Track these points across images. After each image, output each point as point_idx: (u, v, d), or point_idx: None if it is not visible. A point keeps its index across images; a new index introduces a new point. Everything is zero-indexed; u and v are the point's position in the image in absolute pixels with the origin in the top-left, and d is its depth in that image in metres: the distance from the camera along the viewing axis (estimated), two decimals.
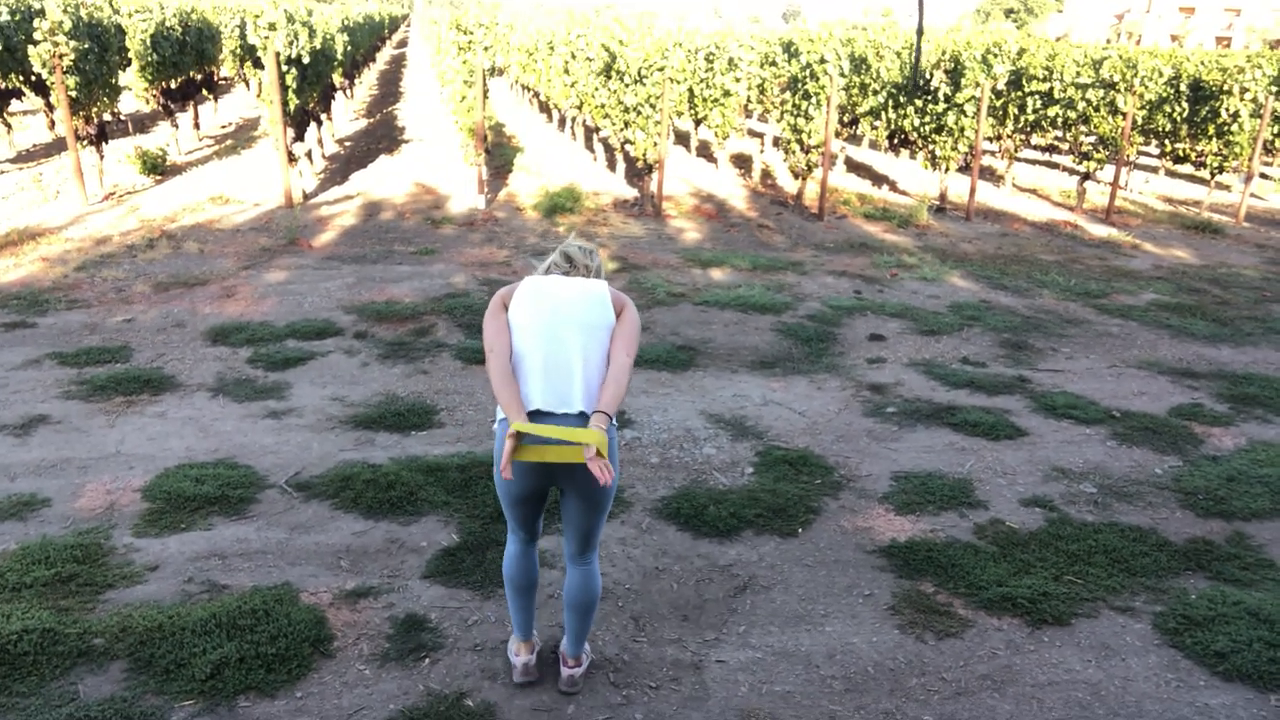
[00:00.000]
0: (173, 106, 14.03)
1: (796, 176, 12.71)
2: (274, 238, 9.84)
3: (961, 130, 12.48)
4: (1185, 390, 6.70)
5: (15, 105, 16.88)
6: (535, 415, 2.95)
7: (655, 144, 11.56)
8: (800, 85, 12.13)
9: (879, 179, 15.12)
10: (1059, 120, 13.91)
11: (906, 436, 5.69)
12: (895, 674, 3.54)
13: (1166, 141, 14.84)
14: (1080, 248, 11.60)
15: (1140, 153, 18.79)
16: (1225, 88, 13.68)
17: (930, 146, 12.97)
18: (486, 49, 12.02)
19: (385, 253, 9.55)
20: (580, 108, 15.51)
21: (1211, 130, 13.90)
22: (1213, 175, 14.14)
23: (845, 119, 15.67)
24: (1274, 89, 14.07)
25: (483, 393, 6.08)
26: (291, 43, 10.84)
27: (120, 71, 12.17)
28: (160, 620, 3.58)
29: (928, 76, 12.97)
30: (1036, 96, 14.03)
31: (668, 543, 4.41)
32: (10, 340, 6.71)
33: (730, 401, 6.13)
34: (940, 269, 9.96)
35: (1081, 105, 13.43)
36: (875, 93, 14.21)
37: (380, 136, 16.61)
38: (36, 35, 10.13)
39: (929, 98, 12.86)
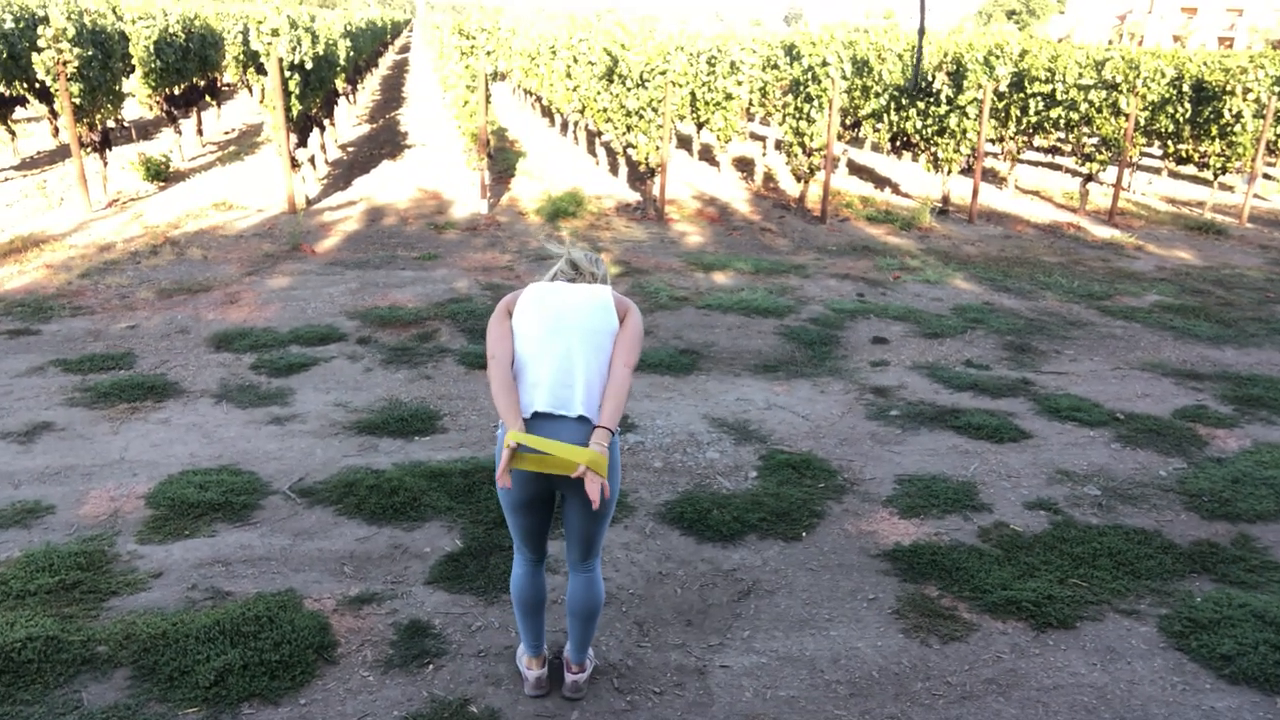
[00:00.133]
0: (176, 113, 14.06)
1: (799, 179, 12.71)
2: (277, 243, 9.86)
3: (964, 132, 12.48)
4: (1189, 392, 6.68)
5: (19, 112, 16.93)
6: (537, 418, 2.95)
7: (657, 148, 11.57)
8: (802, 88, 12.13)
9: (881, 182, 15.12)
10: (1061, 122, 13.90)
11: (910, 439, 5.68)
12: (900, 678, 3.53)
13: (1169, 142, 14.82)
14: (1083, 249, 11.59)
15: (1143, 154, 18.77)
16: (1228, 88, 13.66)
17: (932, 149, 12.96)
18: (489, 54, 12.04)
19: (388, 258, 9.56)
20: (582, 112, 15.53)
21: (1214, 131, 13.88)
22: (1216, 176, 14.12)
23: (847, 122, 15.67)
24: (1277, 89, 14.04)
25: (486, 398, 6.08)
26: (294, 48, 10.86)
27: (124, 78, 12.20)
28: (164, 627, 3.58)
29: (930, 79, 12.97)
30: (1039, 98, 14.02)
31: (671, 547, 4.41)
32: (14, 347, 6.72)
33: (733, 405, 6.13)
34: (943, 271, 9.95)
35: (1084, 106, 13.42)
36: (877, 95, 14.21)
37: (383, 142, 16.64)
38: (40, 42, 10.16)
39: (931, 100, 12.85)
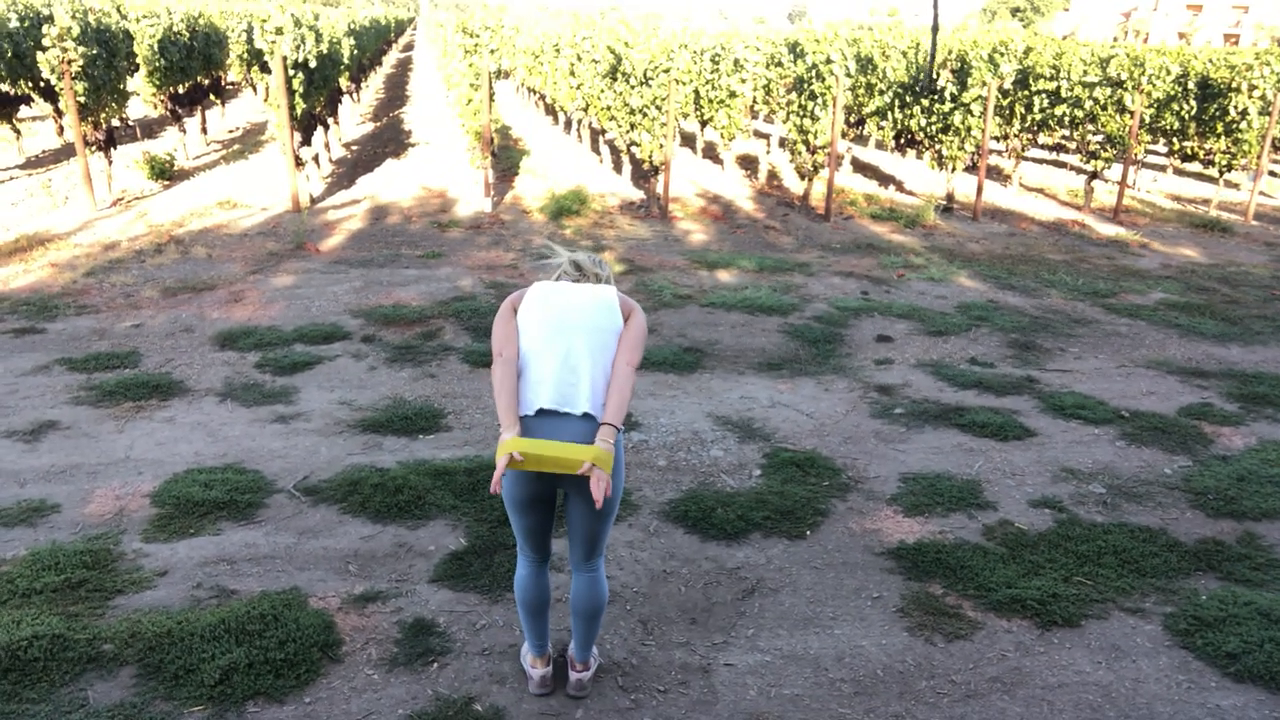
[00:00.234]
0: (180, 111, 14.08)
1: (803, 177, 12.69)
2: (281, 242, 9.87)
3: (968, 130, 12.45)
4: (1194, 390, 6.67)
5: (24, 111, 16.96)
6: (541, 414, 2.96)
7: (661, 146, 11.56)
8: (806, 86, 12.11)
9: (885, 179, 15.10)
10: (1066, 119, 13.87)
11: (914, 438, 5.67)
12: (904, 676, 3.53)
13: (1174, 140, 14.78)
14: (1088, 247, 11.56)
15: (1148, 151, 18.73)
16: (1234, 85, 13.61)
17: (937, 146, 12.94)
18: (492, 52, 12.04)
19: (392, 256, 9.57)
20: (586, 110, 15.52)
21: (1220, 128, 13.83)
22: (1221, 173, 14.08)
23: (851, 119, 15.65)
24: None
25: (490, 396, 6.08)
26: (298, 47, 10.87)
27: (128, 77, 12.22)
28: (169, 626, 3.58)
29: (934, 76, 12.95)
30: (1043, 95, 13.99)
31: (675, 545, 4.41)
32: (20, 346, 6.73)
33: (737, 403, 6.12)
34: (947, 269, 9.93)
35: (1089, 104, 13.39)
36: (881, 93, 14.19)
37: (387, 140, 16.65)
38: (45, 42, 10.18)
39: (935, 97, 12.83)
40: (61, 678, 3.32)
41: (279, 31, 10.64)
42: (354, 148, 15.84)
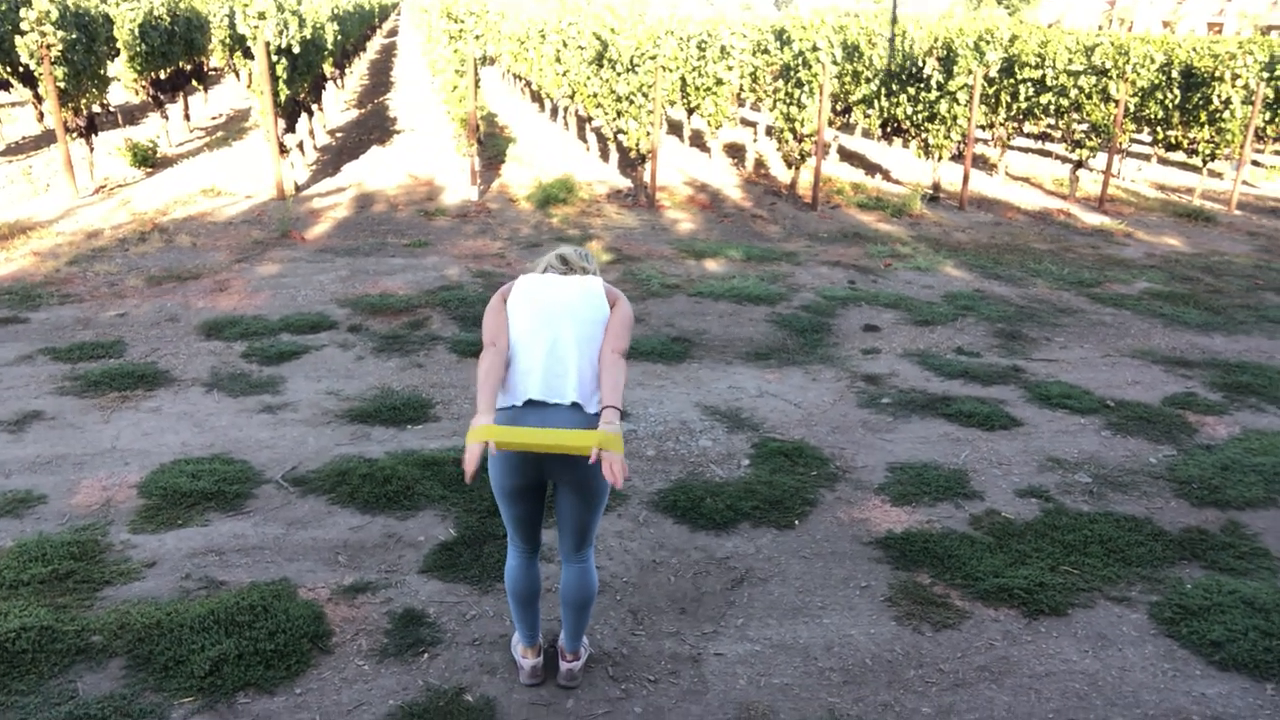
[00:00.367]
0: (162, 98, 13.94)
1: (790, 166, 12.69)
2: (266, 230, 9.80)
3: (954, 118, 12.47)
4: (1179, 379, 6.72)
5: (3, 97, 16.76)
6: (530, 405, 2.96)
7: (648, 134, 11.53)
8: (793, 73, 12.10)
9: (872, 168, 15.11)
10: (1051, 108, 13.92)
11: (901, 427, 5.70)
12: (893, 665, 3.55)
13: (1159, 129, 14.85)
14: (1073, 236, 11.62)
15: (1133, 140, 18.80)
16: (1217, 74, 13.68)
17: (923, 135, 12.96)
18: (478, 38, 11.97)
19: (378, 245, 9.52)
20: (572, 97, 15.46)
21: (1204, 117, 13.91)
22: (1205, 163, 14.17)
23: (838, 107, 15.65)
24: (1265, 75, 14.08)
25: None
26: (281, 32, 10.77)
27: (109, 62, 12.08)
28: (158, 617, 3.57)
29: (920, 64, 12.95)
30: (1029, 84, 14.03)
31: (665, 536, 4.42)
32: (2, 336, 6.67)
33: (726, 393, 6.13)
34: (934, 259, 9.97)
35: (1074, 92, 13.43)
36: (868, 80, 14.19)
37: (372, 127, 16.54)
38: (24, 26, 10.05)
39: (922, 86, 12.84)
40: (50, 669, 3.30)
41: (262, 16, 10.54)
42: (339, 135, 15.73)
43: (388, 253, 9.22)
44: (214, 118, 17.18)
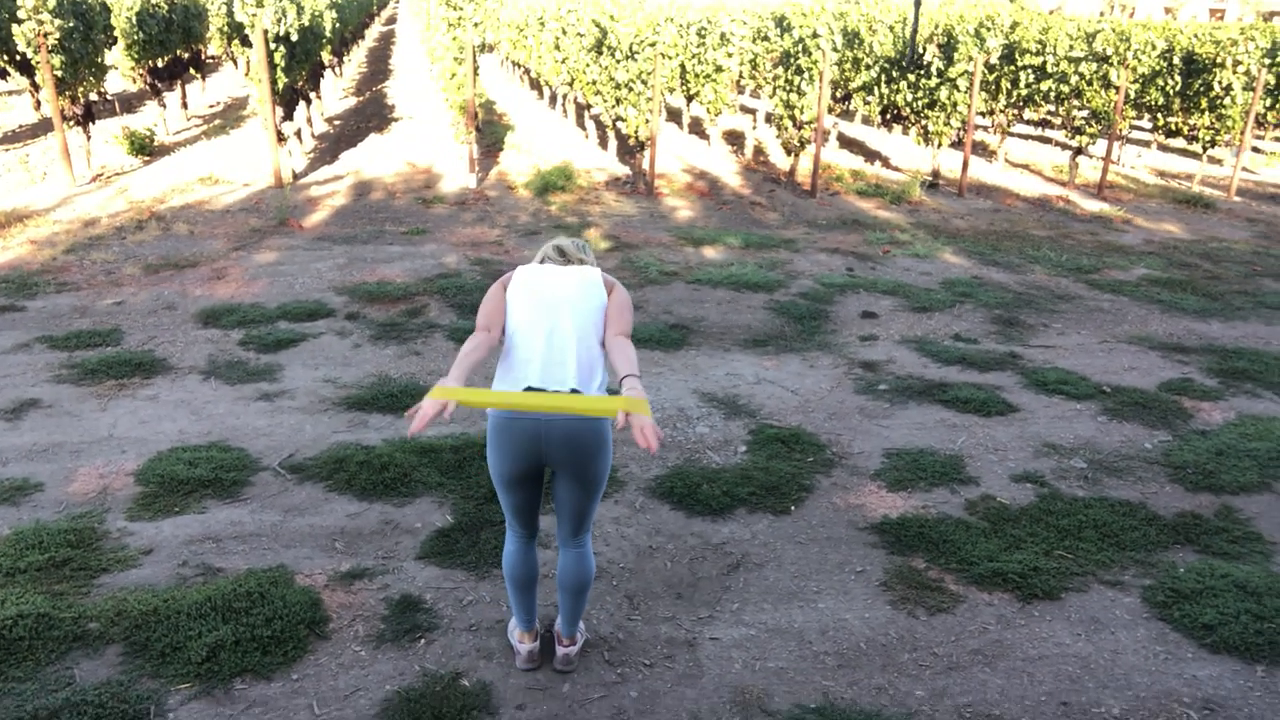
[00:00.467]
0: (160, 86, 13.91)
1: (789, 153, 12.67)
2: (264, 218, 9.79)
3: (954, 105, 12.44)
4: (1175, 365, 6.72)
5: (0, 86, 16.72)
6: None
7: (647, 121, 11.51)
8: (793, 60, 12.06)
9: (871, 155, 15.08)
10: (1052, 95, 13.87)
11: (898, 413, 5.71)
12: (887, 649, 3.57)
13: (1159, 115, 14.81)
14: (1072, 223, 11.61)
15: (1133, 127, 18.76)
16: (1218, 60, 13.64)
17: (923, 122, 12.92)
18: (476, 25, 11.94)
19: (376, 233, 9.51)
20: (571, 85, 15.42)
21: (1204, 104, 13.87)
22: (1205, 149, 14.13)
23: (838, 94, 15.61)
24: (1267, 61, 14.03)
25: (475, 374, 6.07)
26: (279, 20, 10.74)
27: (106, 50, 12.06)
28: (155, 604, 3.59)
29: (920, 51, 12.91)
30: (1029, 71, 13.98)
31: (661, 521, 4.43)
32: None
33: (723, 380, 6.14)
34: (932, 245, 9.96)
35: (1074, 79, 13.39)
36: (868, 68, 14.15)
37: (370, 115, 16.50)
38: (20, 14, 10.02)
39: (922, 73, 12.80)
40: (47, 656, 3.32)
41: (259, 4, 10.50)
42: (337, 123, 15.69)
43: (385, 240, 9.22)
44: (212, 106, 17.14)
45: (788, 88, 12.15)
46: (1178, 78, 14.19)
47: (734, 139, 15.87)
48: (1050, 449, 5.28)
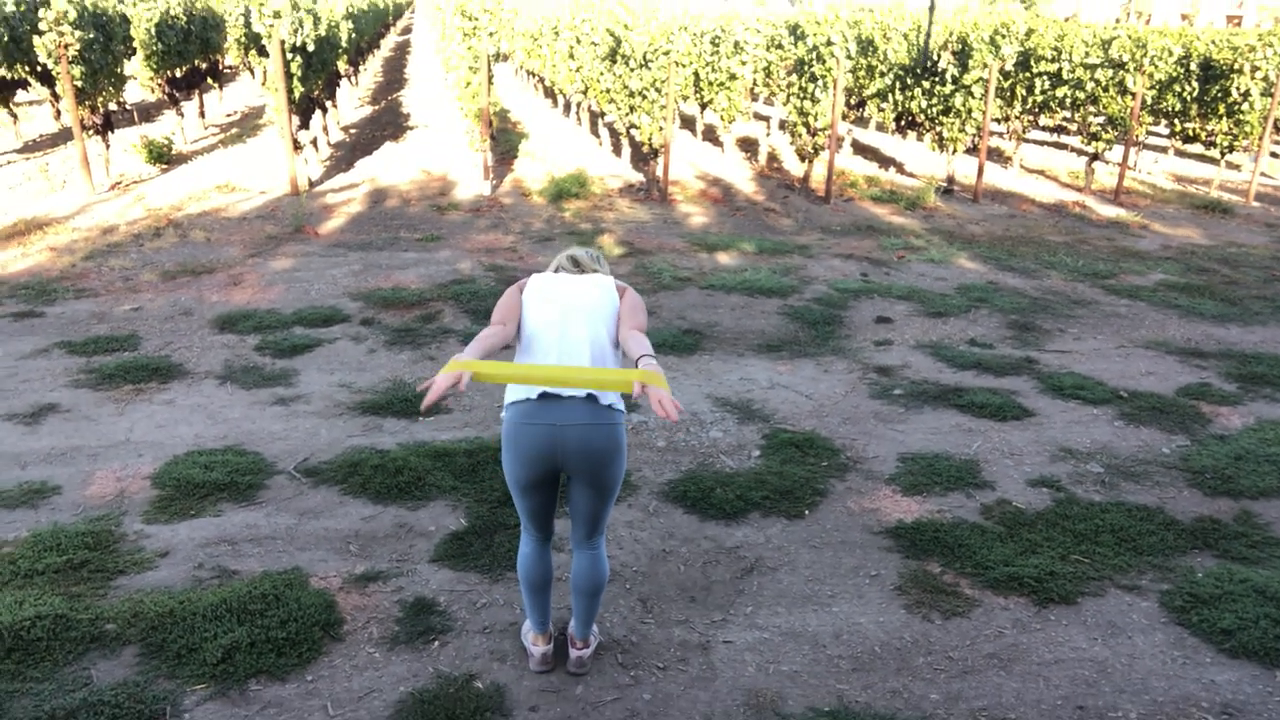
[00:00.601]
0: (178, 95, 14.04)
1: (803, 159, 12.66)
2: (280, 225, 9.86)
3: (969, 112, 12.41)
4: (1193, 370, 6.67)
5: (21, 95, 16.91)
6: (544, 398, 2.99)
7: (661, 128, 11.53)
8: (807, 68, 12.06)
9: (886, 161, 15.06)
10: (1067, 101, 13.82)
11: (913, 418, 5.68)
12: (902, 653, 3.55)
13: (1176, 121, 14.72)
14: (1088, 228, 11.55)
15: (1149, 133, 18.66)
16: (1236, 66, 13.55)
17: (938, 128, 12.90)
18: (491, 35, 11.99)
19: (391, 239, 9.56)
20: (585, 93, 15.47)
21: (1222, 109, 13.78)
22: (1223, 155, 14.03)
23: (852, 101, 15.59)
24: None
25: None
26: (296, 30, 10.82)
27: (125, 61, 12.17)
28: (171, 606, 3.61)
29: (935, 58, 12.89)
30: (1045, 77, 13.93)
31: (675, 525, 4.43)
32: (19, 329, 6.74)
33: (737, 385, 6.13)
34: (948, 251, 9.92)
35: (1090, 85, 13.33)
36: (882, 75, 14.13)
37: (385, 123, 16.60)
38: (42, 25, 10.14)
39: (936, 79, 12.78)
40: (64, 657, 3.34)
41: (277, 15, 10.59)
42: (352, 131, 15.79)
43: (400, 247, 9.26)
44: (229, 115, 17.28)
45: (802, 95, 12.15)
46: (1195, 84, 14.11)
47: (748, 146, 15.88)
48: (1066, 453, 5.25)
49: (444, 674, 3.35)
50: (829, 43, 11.86)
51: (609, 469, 3.08)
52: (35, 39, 10.27)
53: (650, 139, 11.70)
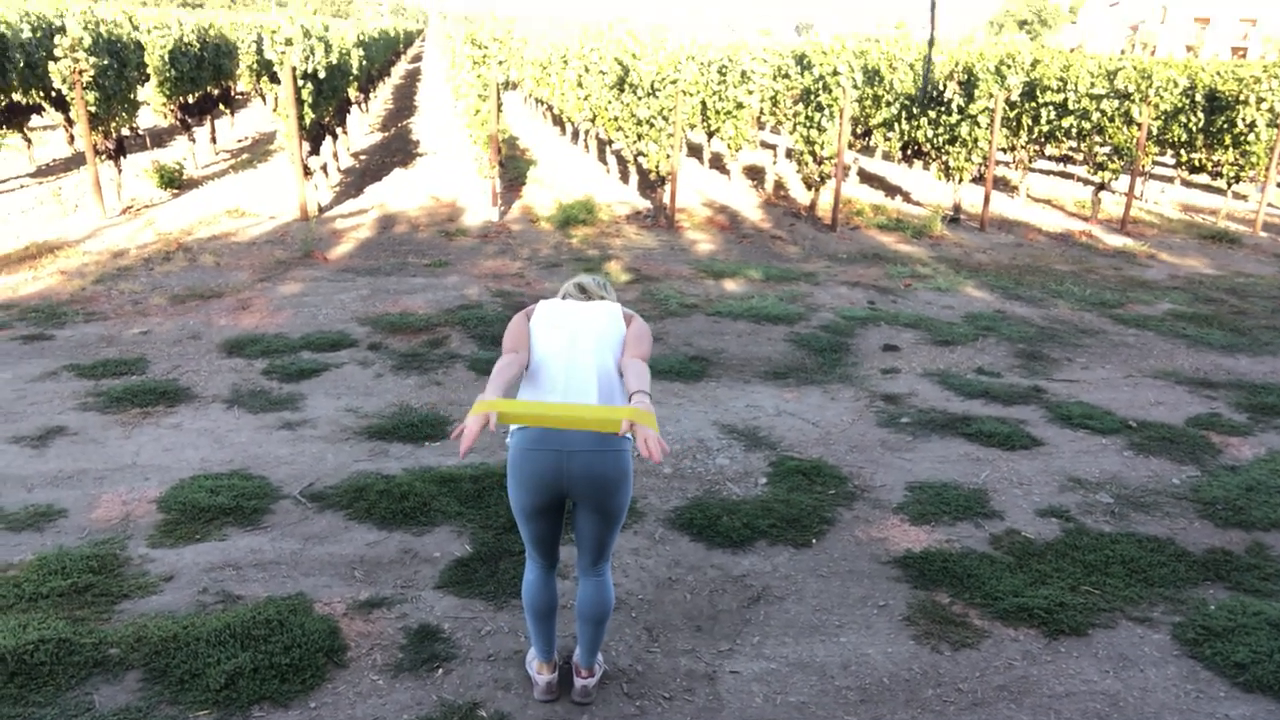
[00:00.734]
0: (190, 121, 14.16)
1: (809, 188, 12.71)
2: (289, 250, 9.90)
3: (975, 141, 12.46)
4: (1203, 400, 6.64)
5: (35, 120, 17.08)
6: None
7: (668, 156, 11.59)
8: (813, 97, 12.14)
9: (892, 190, 15.11)
10: (1073, 131, 13.87)
11: (921, 447, 5.66)
12: (911, 685, 3.51)
13: (1182, 151, 14.77)
14: (1095, 258, 11.55)
15: (1156, 163, 18.71)
16: (1241, 98, 13.61)
17: (944, 157, 12.94)
18: (501, 63, 12.09)
19: (399, 265, 9.59)
20: (593, 121, 15.57)
21: (1228, 140, 13.82)
22: (1229, 185, 14.06)
23: (858, 130, 15.67)
24: None
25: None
26: (307, 58, 10.93)
27: (139, 87, 12.31)
28: (175, 630, 3.59)
29: (941, 88, 12.96)
30: (1050, 107, 14.00)
31: (681, 553, 4.40)
32: (28, 352, 6.76)
33: (743, 412, 6.12)
34: (954, 279, 9.93)
35: (1096, 116, 13.39)
36: (888, 104, 14.21)
37: (395, 150, 16.71)
38: (57, 52, 10.26)
39: (942, 109, 12.84)
40: (67, 681, 3.32)
41: (289, 43, 10.70)
42: (362, 157, 15.90)
43: (408, 272, 9.29)
44: (240, 140, 17.43)
45: (808, 124, 12.22)
46: (1200, 114, 14.16)
47: (754, 174, 15.95)
48: (1076, 483, 5.22)
49: (448, 702, 3.32)
50: (835, 72, 11.94)
51: (615, 496, 3.07)
52: (50, 65, 10.38)
53: (657, 166, 11.76)
